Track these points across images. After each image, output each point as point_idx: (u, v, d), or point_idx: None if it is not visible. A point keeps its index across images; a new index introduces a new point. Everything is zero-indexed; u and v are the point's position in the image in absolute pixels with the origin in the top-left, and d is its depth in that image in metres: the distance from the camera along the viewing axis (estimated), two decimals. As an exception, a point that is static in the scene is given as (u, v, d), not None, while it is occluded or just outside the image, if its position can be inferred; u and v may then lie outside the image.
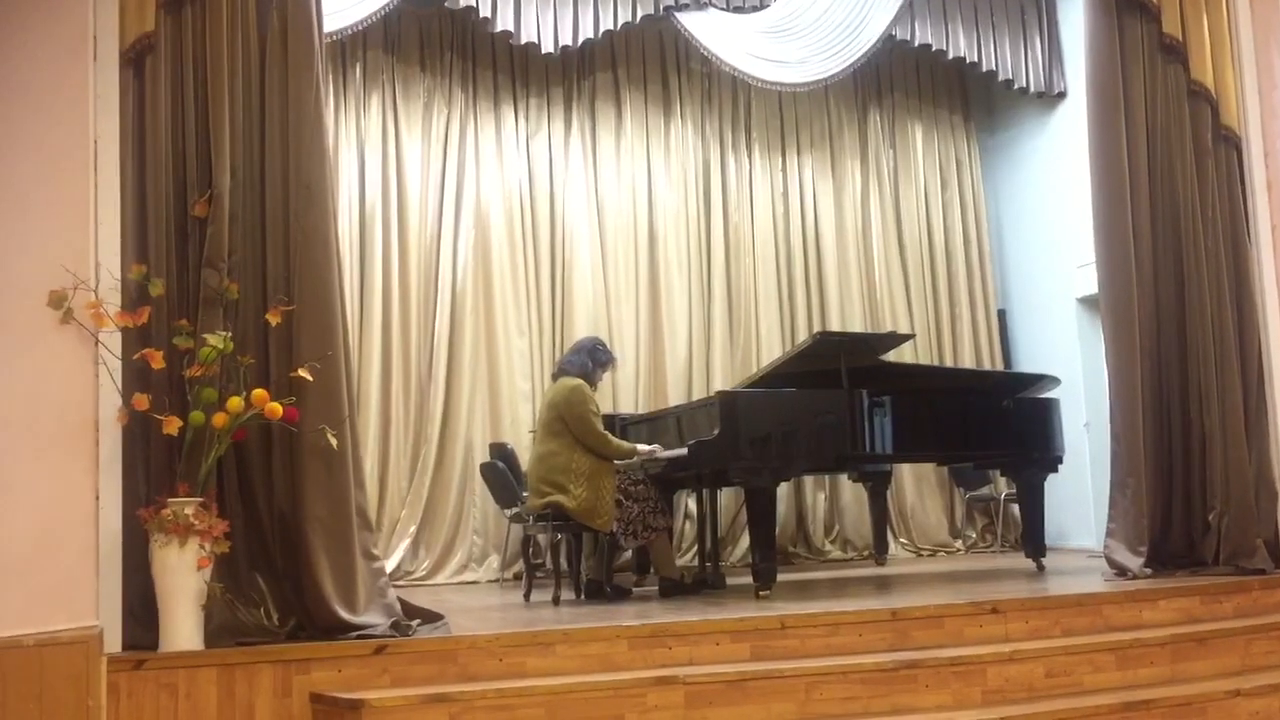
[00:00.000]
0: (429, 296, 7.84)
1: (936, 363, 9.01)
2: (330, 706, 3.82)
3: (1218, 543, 5.66)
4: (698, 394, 8.12)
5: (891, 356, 6.72)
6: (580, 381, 5.77)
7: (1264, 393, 5.80)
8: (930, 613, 4.58)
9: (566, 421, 5.66)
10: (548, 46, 7.72)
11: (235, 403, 4.04)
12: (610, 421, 6.51)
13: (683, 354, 8.39)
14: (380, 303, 7.67)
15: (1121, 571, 5.63)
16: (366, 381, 7.53)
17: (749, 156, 8.89)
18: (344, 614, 4.13)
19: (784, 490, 8.18)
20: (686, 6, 7.97)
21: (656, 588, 5.98)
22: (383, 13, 7.16)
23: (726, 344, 8.55)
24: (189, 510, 3.94)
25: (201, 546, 3.93)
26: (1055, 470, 6.65)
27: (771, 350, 8.45)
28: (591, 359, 5.92)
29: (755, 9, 8.21)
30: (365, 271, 7.69)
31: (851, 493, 8.57)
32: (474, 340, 7.87)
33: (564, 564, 6.94)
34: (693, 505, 7.83)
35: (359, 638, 4.10)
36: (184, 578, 3.90)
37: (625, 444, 5.83)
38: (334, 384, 4.32)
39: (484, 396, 7.86)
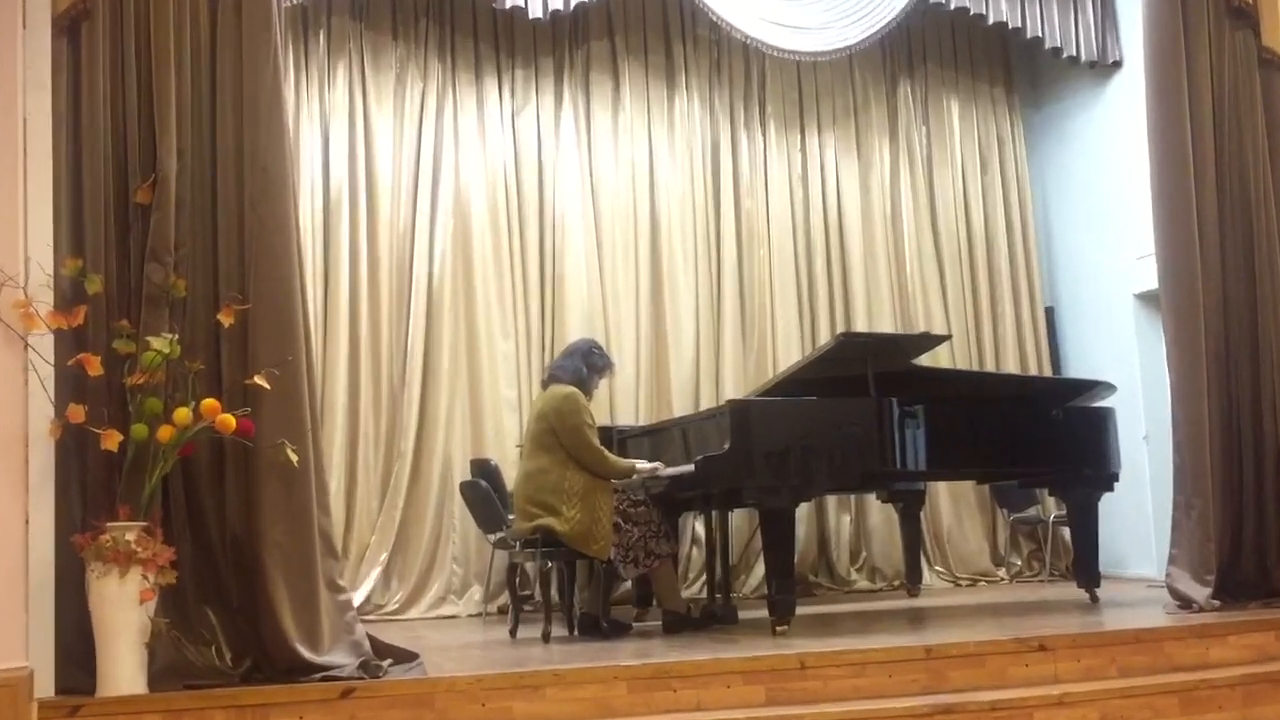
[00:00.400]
0: (402, 294, 7.84)
1: (976, 367, 9.00)
2: (290, 758, 3.82)
3: (1294, 571, 5.66)
4: (706, 403, 8.12)
5: (925, 360, 6.70)
6: (573, 389, 5.77)
7: (1346, 401, 5.80)
8: (969, 650, 4.57)
9: (558, 434, 5.65)
10: (536, 11, 7.72)
11: (183, 414, 4.04)
12: (607, 434, 6.51)
13: (689, 358, 8.39)
14: (347, 301, 7.66)
15: (1186, 603, 5.62)
16: (331, 390, 7.53)
17: (763, 135, 8.89)
18: (306, 653, 4.13)
19: (804, 512, 8.18)
20: (692, -35, 8.00)
21: (659, 622, 5.97)
22: (349, -27, 7.20)
23: (738, 347, 8.54)
24: (130, 536, 3.94)
25: (145, 577, 3.93)
26: (1110, 489, 6.64)
27: (789, 354, 8.44)
28: (586, 364, 5.92)
29: (770, -32, 8.23)
30: (330, 265, 7.69)
31: (880, 515, 8.56)
32: (453, 343, 7.87)
33: (555, 596, 6.92)
34: (700, 529, 7.81)
35: (323, 679, 4.10)
36: (125, 612, 3.90)
37: (624, 460, 5.82)
38: (294, 393, 4.32)
39: (464, 407, 7.85)
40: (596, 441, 5.68)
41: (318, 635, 4.19)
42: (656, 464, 5.86)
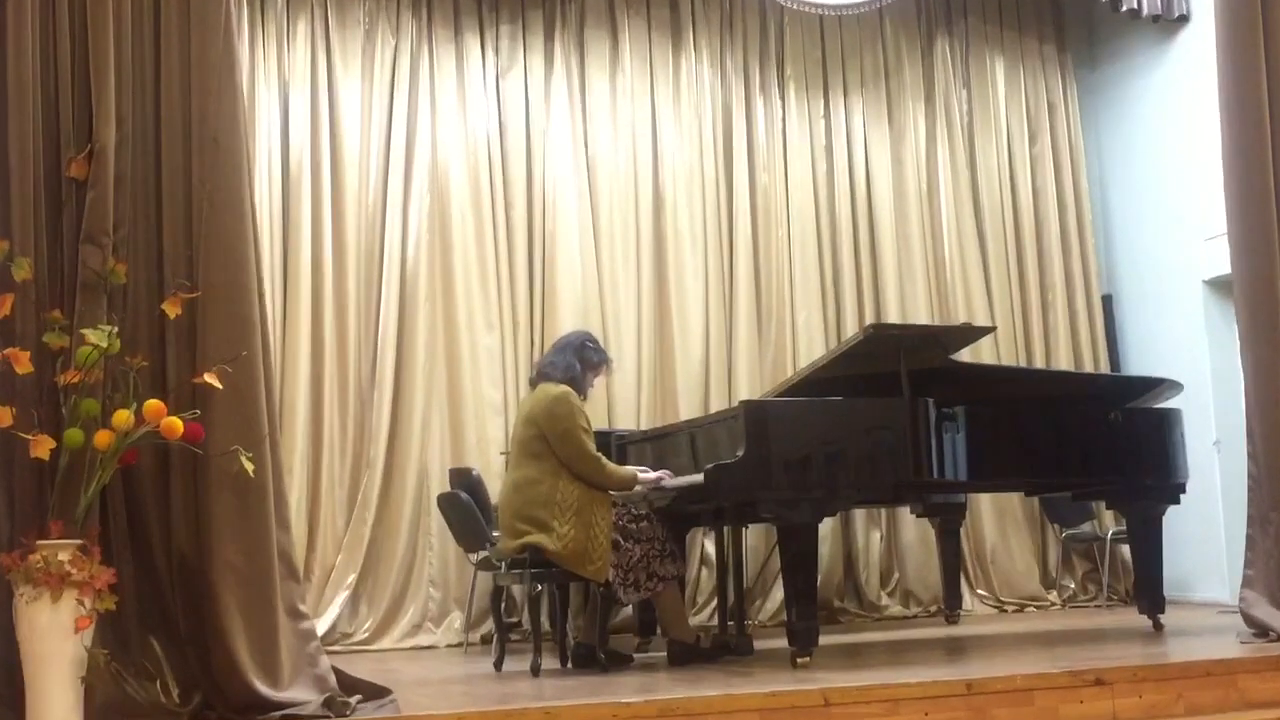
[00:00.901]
0: (372, 281, 7.85)
1: (1023, 363, 9.00)
2: (246, 807, 3.83)
3: (1387, 594, 5.66)
4: (717, 405, 8.13)
5: (966, 356, 6.71)
6: (566, 389, 5.77)
7: None
8: (1016, 685, 4.57)
9: (548, 440, 5.66)
10: (523, -41, 7.76)
11: (123, 417, 4.04)
12: (605, 440, 6.52)
13: (697, 353, 8.39)
14: (309, 289, 7.67)
15: (1262, 631, 5.62)
16: (291, 390, 7.54)
17: (782, 100, 8.89)
18: (263, 688, 4.13)
19: (828, 528, 8.19)
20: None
21: (664, 653, 5.97)
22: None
23: (753, 340, 8.55)
24: (64, 556, 3.94)
25: (80, 603, 3.93)
26: (1176, 501, 6.64)
27: (811, 349, 8.45)
28: (580, 359, 5.92)
29: (789, -90, 8.23)
30: (290, 249, 7.69)
31: (915, 531, 8.57)
32: (430, 337, 7.88)
33: (545, 623, 6.91)
34: (711, 548, 7.83)
35: (283, 718, 4.10)
36: (58, 642, 3.90)
37: (624, 469, 5.83)
38: (250, 393, 4.33)
39: (442, 409, 7.86)
40: (593, 447, 5.68)
41: (276, 668, 4.20)
42: (661, 473, 5.86)
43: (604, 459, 5.73)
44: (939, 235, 9.09)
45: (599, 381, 6.28)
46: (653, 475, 5.83)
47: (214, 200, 4.40)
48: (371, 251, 7.87)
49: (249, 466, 4.17)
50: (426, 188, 8.01)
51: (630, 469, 5.87)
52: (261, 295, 4.54)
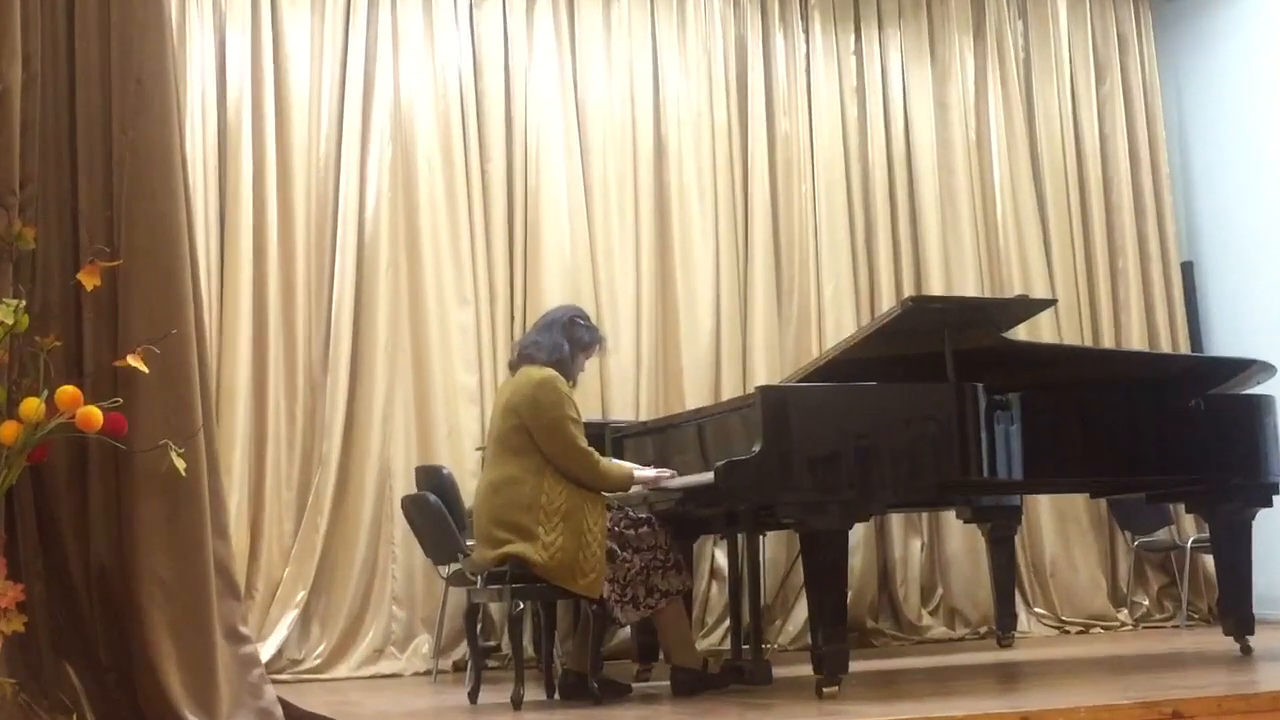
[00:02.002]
0: (323, 247, 7.85)
1: (1089, 342, 9.02)
2: None
3: None
4: (729, 392, 8.14)
5: (1021, 333, 6.70)
6: (552, 372, 5.76)
7: None
8: (1080, 718, 4.58)
9: (531, 432, 5.66)
10: None
11: (32, 406, 4.04)
12: (598, 433, 6.51)
13: (706, 331, 8.40)
14: (250, 255, 7.67)
15: (1368, 655, 5.62)
16: (230, 374, 7.54)
17: (805, 33, 8.89)
18: (198, 723, 4.14)
19: (860, 536, 8.21)
20: None
21: (667, 682, 5.99)
22: None
23: (772, 316, 8.56)
24: (-36, 569, 3.94)
25: (-17, 623, 3.93)
26: (1268, 504, 6.63)
27: (840, 326, 8.47)
28: (569, 339, 5.91)
29: None
30: (228, 209, 7.69)
31: (962, 539, 8.59)
32: (392, 312, 7.89)
33: (529, 647, 6.91)
34: (722, 558, 7.83)
35: (221, 759, 4.12)
36: (-42, 670, 3.90)
37: (620, 466, 5.83)
38: (181, 378, 4.32)
39: (407, 396, 7.87)
40: (583, 441, 5.68)
41: (213, 700, 4.20)
42: (664, 470, 5.86)
43: (596, 454, 5.73)
44: (990, 192, 9.10)
45: (591, 364, 6.28)
46: (652, 473, 5.83)
47: (137, 151, 4.38)
48: (323, 212, 7.87)
49: (180, 464, 4.17)
50: (388, 137, 8.00)
51: (627, 466, 5.87)
52: (194, 263, 4.52)
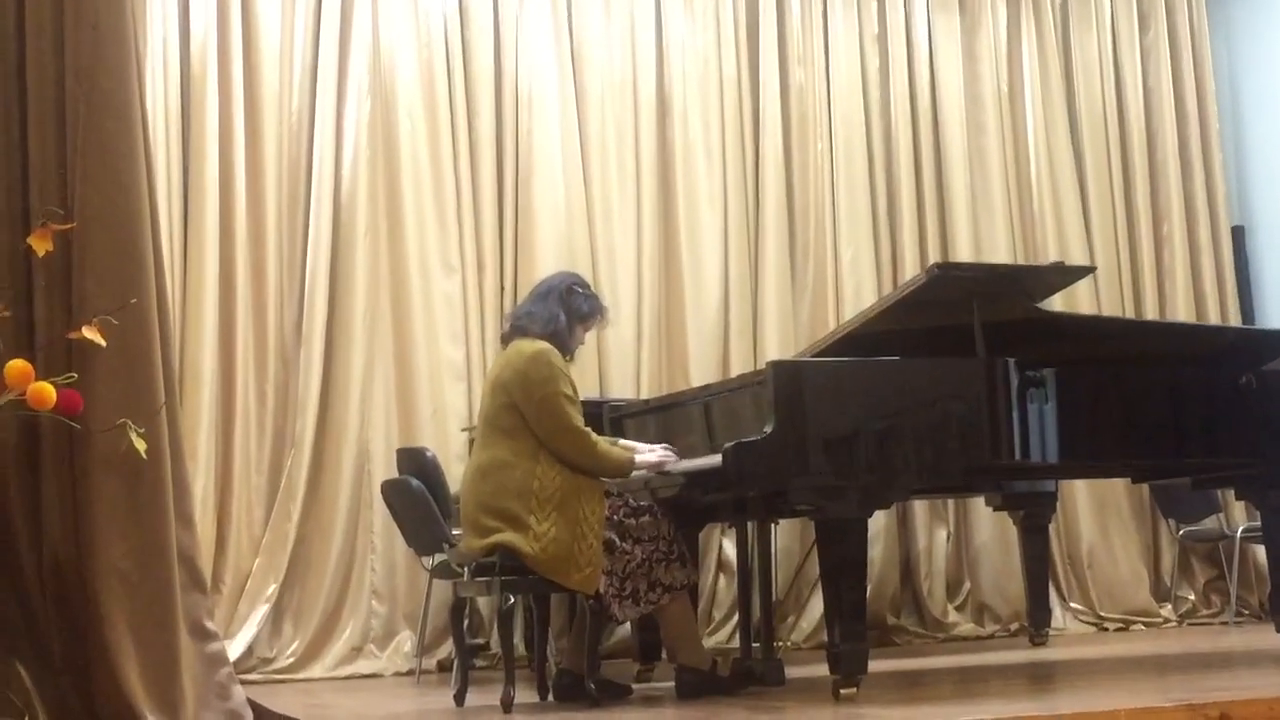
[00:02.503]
0: (296, 209, 7.84)
1: (1130, 314, 9.02)
2: None
3: None
4: (738, 367, 8.14)
5: (1057, 304, 6.67)
6: (546, 346, 5.75)
7: None
8: (1120, 722, 4.58)
9: (523, 411, 5.65)
10: None
11: (-22, 382, 4.03)
12: (595, 413, 6.50)
13: (713, 301, 8.40)
14: (216, 218, 7.65)
15: None
16: (195, 348, 7.54)
17: (822, -24, 8.87)
18: (160, 727, 4.14)
19: (880, 525, 8.21)
20: None
21: (671, 683, 5.99)
22: None
23: (785, 285, 8.56)
24: (-95, 559, 3.93)
25: (-74, 618, 3.93)
26: (1326, 489, 6.63)
27: (859, 296, 8.46)
28: (566, 309, 5.89)
29: None
30: (192, 166, 7.67)
31: (992, 528, 8.60)
32: (370, 280, 7.88)
33: (520, 645, 6.91)
34: (731, 549, 7.84)
35: (185, 766, 4.12)
36: (-102, 669, 3.90)
37: (621, 448, 5.82)
38: (141, 352, 4.31)
39: (388, 372, 7.87)
40: (580, 420, 5.67)
41: (177, 702, 4.20)
42: (668, 452, 5.84)
43: (594, 435, 5.72)
44: (1023, 151, 9.09)
45: (588, 338, 6.26)
46: (656, 455, 5.82)
47: (92, 104, 4.36)
48: (296, 172, 7.86)
49: (140, 445, 4.16)
50: (366, 89, 7.98)
51: (628, 448, 5.86)
52: (155, 227, 4.51)
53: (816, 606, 7.95)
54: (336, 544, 7.66)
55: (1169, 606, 8.82)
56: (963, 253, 8.74)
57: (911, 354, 5.72)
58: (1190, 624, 8.73)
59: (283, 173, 7.83)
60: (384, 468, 7.61)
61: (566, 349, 5.85)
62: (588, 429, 5.70)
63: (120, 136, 4.40)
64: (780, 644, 7.38)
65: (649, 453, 5.85)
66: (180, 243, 7.57)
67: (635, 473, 5.79)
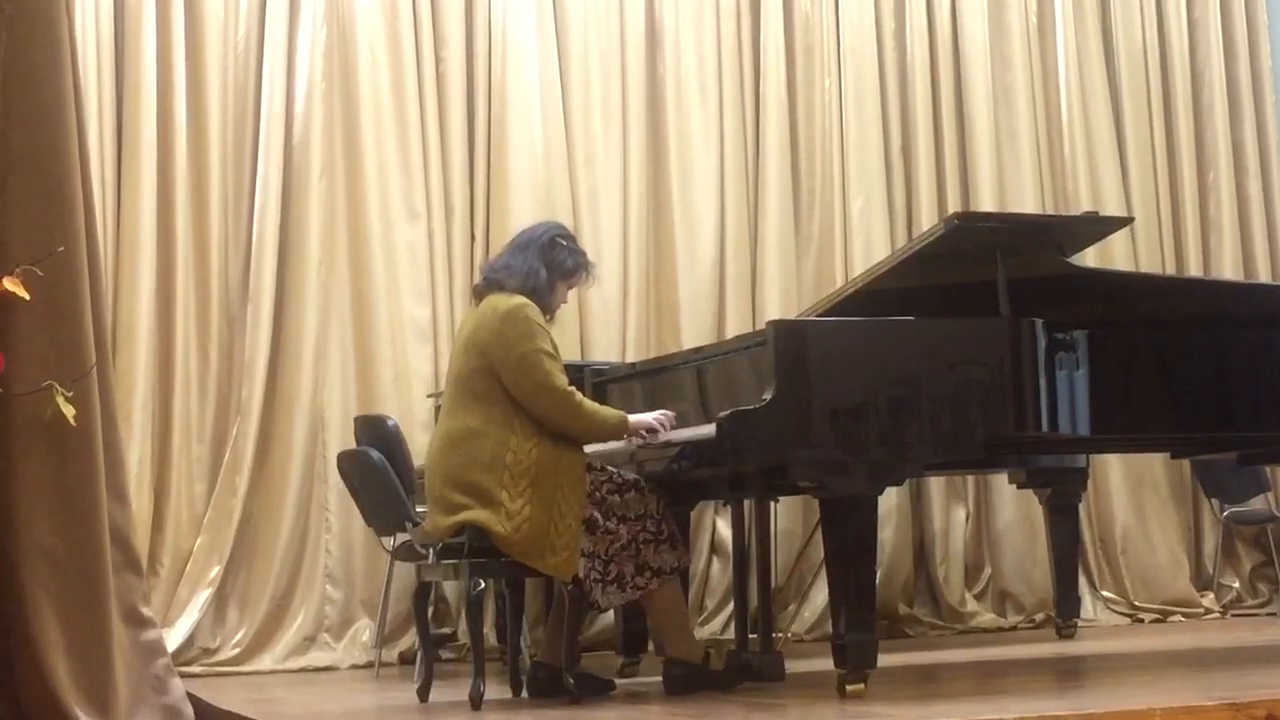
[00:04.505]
0: (243, 147, 7.83)
1: (1171, 270, 9.03)
2: None
3: None
4: (735, 328, 8.15)
5: (1090, 258, 6.68)
6: (523, 300, 5.74)
7: None
8: (1156, 722, 4.61)
9: (499, 373, 5.64)
10: None
11: (-112, 339, 4.03)
12: (575, 378, 6.50)
13: (707, 255, 8.41)
14: (153, 158, 7.64)
15: None
16: (130, 303, 7.53)
17: (831, -108, 8.85)
18: (90, 722, 4.15)
19: (892, 503, 8.24)
20: None
21: (659, 678, 6.01)
22: None
23: (788, 237, 8.57)
24: None
25: None
26: (1385, 467, 6.67)
27: (870, 250, 8.47)
28: (546, 263, 5.87)
29: None
30: (126, 100, 7.66)
31: (1016, 508, 8.63)
32: (326, 229, 7.87)
33: (491, 635, 6.92)
34: (725, 530, 7.86)
35: (119, 766, 4.12)
36: None
37: (610, 410, 5.82)
38: (69, 307, 4.31)
39: (344, 331, 7.87)
40: (563, 379, 5.67)
41: (108, 695, 4.20)
42: (662, 415, 5.83)
43: (579, 395, 5.72)
44: (1053, 89, 9.10)
45: (573, 295, 6.26)
46: (651, 417, 5.80)
47: (15, 29, 4.34)
48: (243, 107, 7.84)
49: (68, 411, 4.16)
50: (321, 15, 7.95)
51: (617, 411, 5.86)
52: (85, 167, 4.51)
53: (821, 594, 7.96)
54: (287, 522, 7.67)
55: (1211, 595, 8.86)
56: (985, 201, 8.73)
57: (928, 313, 5.71)
58: (1234, 615, 8.78)
59: (228, 108, 7.80)
60: (340, 438, 7.61)
61: (547, 307, 5.83)
62: (572, 388, 5.70)
63: (46, 67, 4.39)
64: (780, 635, 7.39)
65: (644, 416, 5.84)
66: (113, 185, 7.55)
67: (628, 440, 5.77)
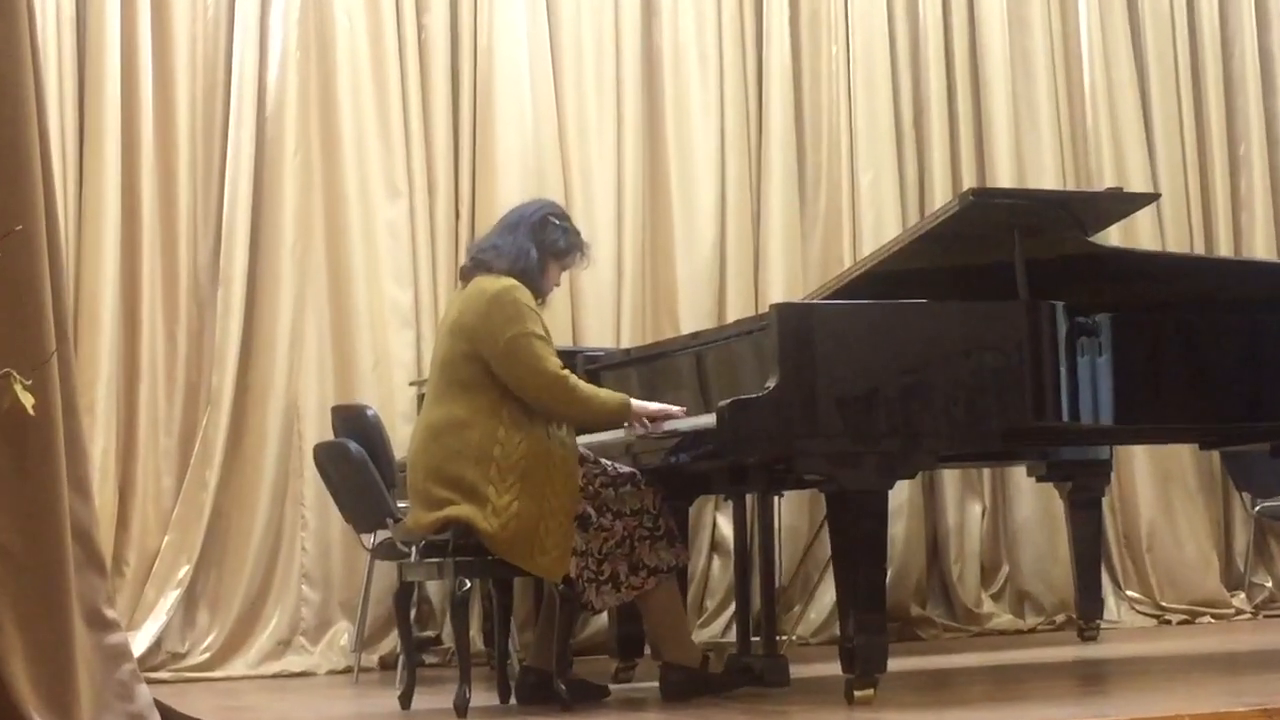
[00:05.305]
0: (213, 119, 7.83)
1: (1200, 249, 9.03)
2: None
3: None
4: (736, 312, 8.15)
5: (1113, 237, 6.67)
6: (511, 282, 5.74)
7: None
8: (1183, 730, 4.61)
9: (488, 359, 5.63)
10: None
11: None
12: (568, 364, 6.50)
13: (707, 235, 8.41)
14: (117, 132, 7.64)
15: None
16: (92, 285, 7.53)
17: None
18: (51, 731, 4.15)
19: (903, 498, 8.25)
20: None
21: (655, 684, 6.01)
22: None
23: (793, 214, 8.57)
24: None
25: None
26: None
27: (880, 228, 8.47)
28: (537, 243, 5.87)
29: None
30: (89, 70, 7.65)
31: (1034, 502, 8.64)
32: (301, 207, 7.87)
33: (477, 639, 6.92)
34: (727, 527, 7.86)
35: (81, 779, 4.12)
36: None
37: (611, 394, 5.80)
38: (27, 289, 4.30)
39: (321, 316, 7.88)
40: (556, 362, 5.66)
41: (70, 702, 4.19)
42: (668, 407, 5.82)
43: (574, 378, 5.71)
44: (1074, 56, 9.10)
45: (566, 278, 6.26)
46: (656, 406, 5.78)
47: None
48: (213, 76, 7.85)
49: (27, 400, 4.14)
50: (296, -24, 7.96)
51: (618, 394, 5.83)
52: (45, 141, 4.49)
53: (828, 594, 7.95)
54: (260, 519, 7.67)
55: (1242, 595, 8.86)
56: (1003, 177, 8.74)
57: (941, 296, 5.72)
58: (1267, 615, 8.78)
59: (197, 78, 7.80)
60: (317, 429, 7.63)
61: (538, 290, 5.82)
62: (566, 371, 5.69)
63: (1, 34, 4.38)
64: (784, 638, 7.42)
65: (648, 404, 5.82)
66: (74, 160, 7.56)
67: (629, 429, 5.77)
